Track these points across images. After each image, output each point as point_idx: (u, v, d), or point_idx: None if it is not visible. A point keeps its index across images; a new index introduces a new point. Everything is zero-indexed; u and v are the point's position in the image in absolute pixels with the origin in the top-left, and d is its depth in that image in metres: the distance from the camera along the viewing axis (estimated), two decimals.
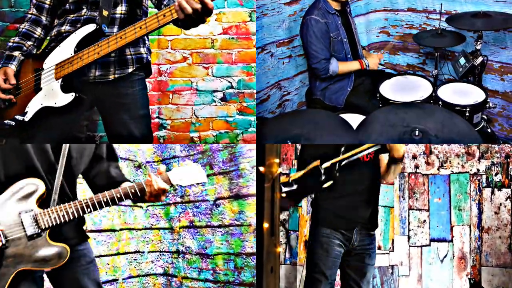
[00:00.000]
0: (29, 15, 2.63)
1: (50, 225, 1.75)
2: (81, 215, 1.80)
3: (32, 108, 2.41)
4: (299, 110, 4.22)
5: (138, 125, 2.56)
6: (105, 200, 1.81)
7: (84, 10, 2.47)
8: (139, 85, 2.58)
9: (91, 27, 2.38)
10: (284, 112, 4.17)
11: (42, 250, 1.72)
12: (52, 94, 2.38)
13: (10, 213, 1.74)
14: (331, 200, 2.55)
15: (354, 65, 3.59)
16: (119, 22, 2.49)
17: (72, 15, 2.49)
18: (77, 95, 2.34)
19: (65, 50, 2.40)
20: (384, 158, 2.65)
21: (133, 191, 1.86)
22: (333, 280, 2.56)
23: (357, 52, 3.75)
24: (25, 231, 1.73)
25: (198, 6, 2.02)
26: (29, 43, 2.59)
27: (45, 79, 2.42)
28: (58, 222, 1.76)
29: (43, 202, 1.81)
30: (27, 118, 2.39)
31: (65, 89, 2.37)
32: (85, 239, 2.08)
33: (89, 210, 1.80)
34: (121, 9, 2.50)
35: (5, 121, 2.41)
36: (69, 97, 2.34)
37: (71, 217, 1.77)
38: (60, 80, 2.37)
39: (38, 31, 2.62)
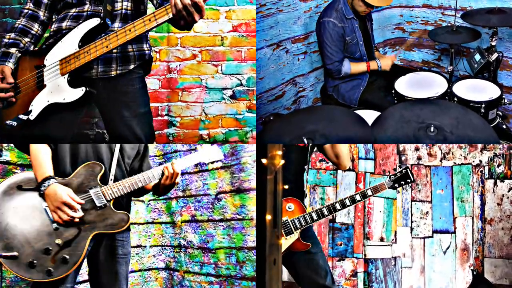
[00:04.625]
0: (26, 10, 2.53)
1: (114, 197, 2.12)
2: (136, 188, 2.16)
3: (38, 105, 2.34)
4: (314, 106, 4.23)
5: (140, 124, 2.50)
6: (151, 175, 2.20)
7: (87, 6, 2.41)
8: (139, 83, 2.54)
9: (95, 21, 2.31)
10: (299, 109, 4.19)
11: (110, 217, 2.11)
12: (59, 90, 2.31)
13: (81, 190, 2.11)
14: None
15: (365, 67, 3.62)
16: (120, 17, 2.43)
17: (73, 10, 2.42)
18: (87, 89, 2.30)
19: (68, 45, 2.32)
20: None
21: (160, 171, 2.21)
22: None
23: (372, 54, 3.77)
24: (94, 204, 2.10)
25: (188, 1, 2.03)
26: (26, 39, 2.50)
27: (49, 75, 2.34)
28: (120, 194, 2.14)
29: (102, 180, 2.16)
30: (32, 116, 2.33)
31: (73, 84, 2.31)
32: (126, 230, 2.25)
33: (140, 184, 2.17)
34: (121, 5, 2.44)
35: (7, 122, 2.35)
36: (79, 91, 2.29)
37: (129, 190, 2.14)
38: (66, 76, 2.30)
39: (35, 27, 2.53)
